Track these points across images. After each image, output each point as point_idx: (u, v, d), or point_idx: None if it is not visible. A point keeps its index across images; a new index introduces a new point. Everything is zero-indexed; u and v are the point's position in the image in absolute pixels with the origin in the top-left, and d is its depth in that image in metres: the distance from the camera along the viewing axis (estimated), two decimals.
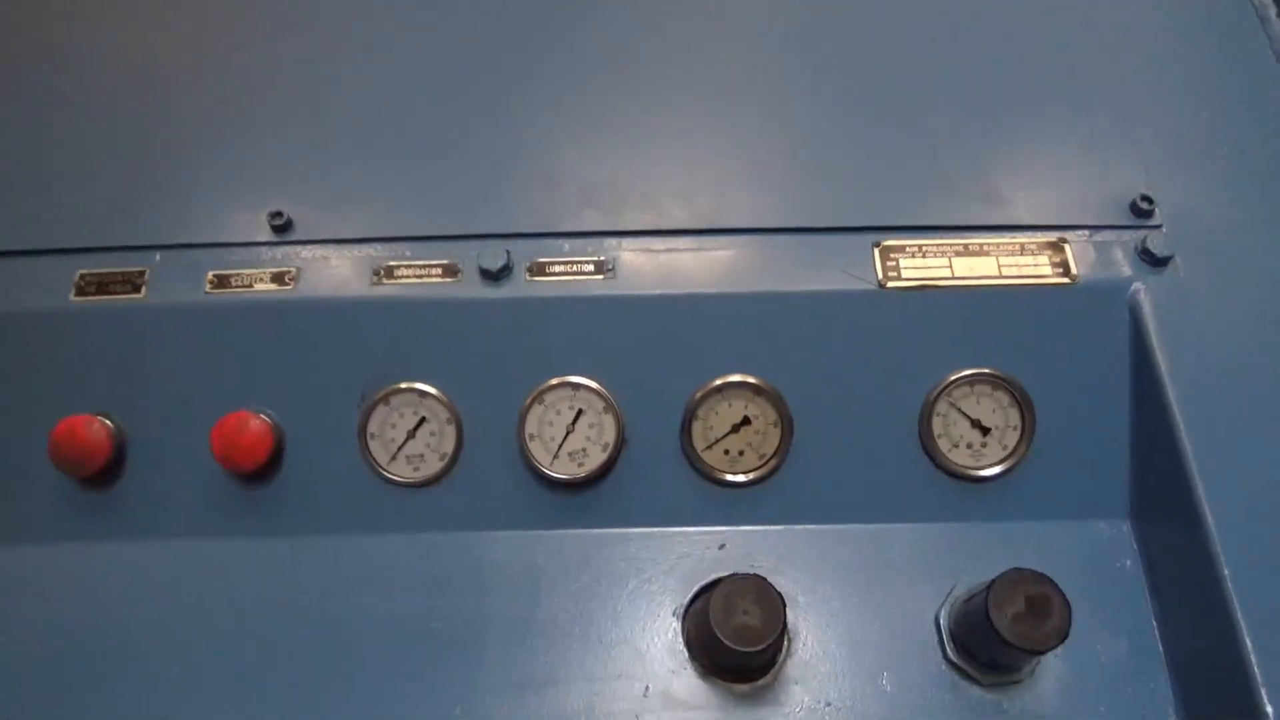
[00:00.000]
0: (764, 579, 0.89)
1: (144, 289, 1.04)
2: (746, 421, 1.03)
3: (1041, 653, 0.87)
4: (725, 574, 0.92)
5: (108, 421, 1.02)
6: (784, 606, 0.88)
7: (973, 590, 0.94)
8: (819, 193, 1.08)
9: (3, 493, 1.02)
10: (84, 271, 1.05)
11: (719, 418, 1.03)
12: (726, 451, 1.03)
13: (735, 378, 1.03)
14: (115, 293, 1.04)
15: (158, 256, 1.07)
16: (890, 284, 1.03)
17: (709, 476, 1.03)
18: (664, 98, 1.13)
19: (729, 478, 1.03)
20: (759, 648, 0.87)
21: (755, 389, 1.02)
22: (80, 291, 1.04)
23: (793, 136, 1.11)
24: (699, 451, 1.03)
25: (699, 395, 1.03)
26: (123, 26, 1.22)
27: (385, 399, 1.03)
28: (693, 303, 1.03)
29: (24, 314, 1.04)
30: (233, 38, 1.20)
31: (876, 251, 1.05)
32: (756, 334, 1.03)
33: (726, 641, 0.86)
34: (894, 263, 1.05)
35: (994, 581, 0.88)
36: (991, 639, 0.87)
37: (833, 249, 1.05)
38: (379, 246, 1.06)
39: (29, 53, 1.18)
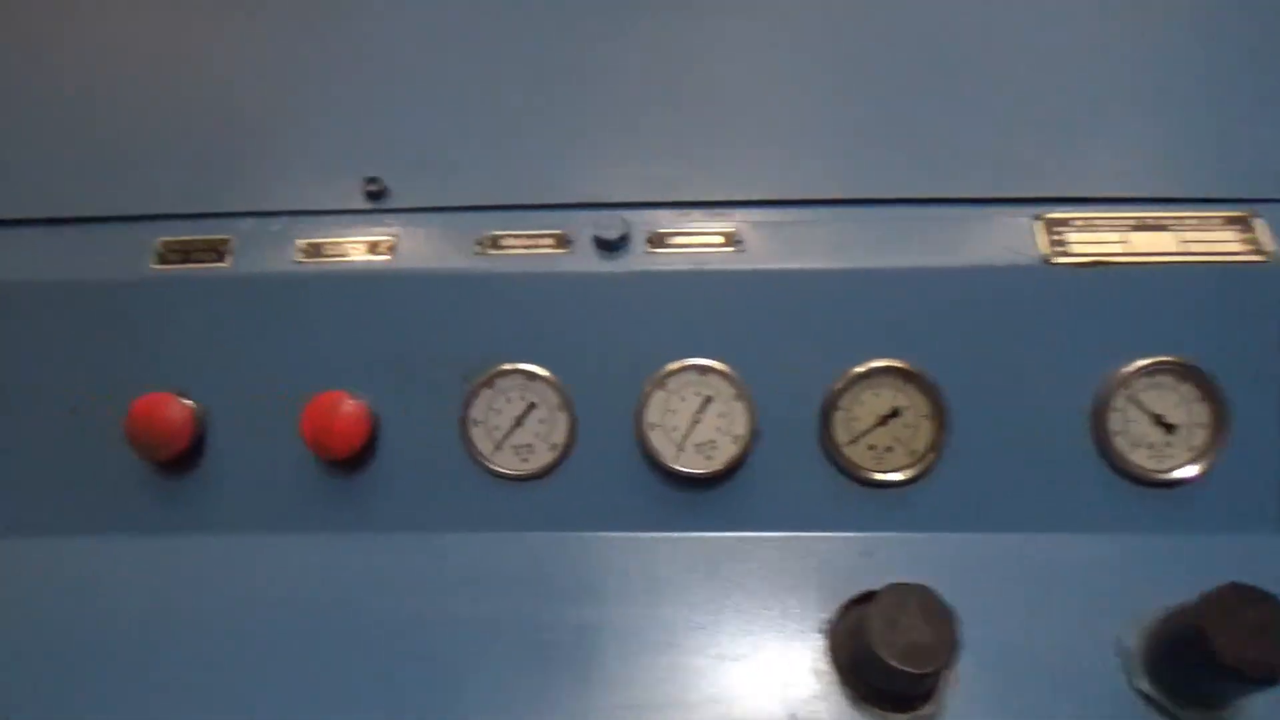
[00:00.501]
0: (929, 589, 0.76)
1: (229, 257, 0.95)
2: (895, 413, 0.91)
3: (1275, 684, 0.73)
4: (877, 585, 0.79)
5: (188, 401, 0.92)
6: (956, 621, 0.75)
7: (1170, 610, 0.81)
8: (972, 160, 0.96)
9: (76, 477, 0.93)
10: (166, 239, 0.96)
11: (863, 408, 0.91)
12: (872, 447, 0.91)
13: (881, 363, 0.91)
14: (199, 261, 0.94)
15: (245, 224, 0.97)
16: (1056, 259, 0.90)
17: (852, 475, 0.91)
18: (794, 57, 1.02)
19: (875, 476, 0.91)
20: (930, 670, 0.74)
21: (905, 375, 0.90)
22: (162, 260, 0.95)
23: (941, 97, 0.99)
24: (841, 446, 0.91)
25: (840, 383, 0.91)
26: None
27: (490, 382, 0.92)
28: (832, 278, 0.91)
29: (102, 283, 0.95)
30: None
31: (1039, 225, 0.92)
32: (905, 314, 0.91)
33: (893, 662, 0.74)
34: (1059, 237, 0.92)
35: (1206, 599, 0.75)
36: (1206, 666, 0.74)
37: (988, 222, 0.92)
38: (482, 215, 0.96)
39: (114, 15, 1.09)
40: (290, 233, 0.96)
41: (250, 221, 0.97)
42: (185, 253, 0.96)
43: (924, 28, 1.03)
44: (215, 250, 0.95)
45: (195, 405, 0.93)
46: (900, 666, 0.74)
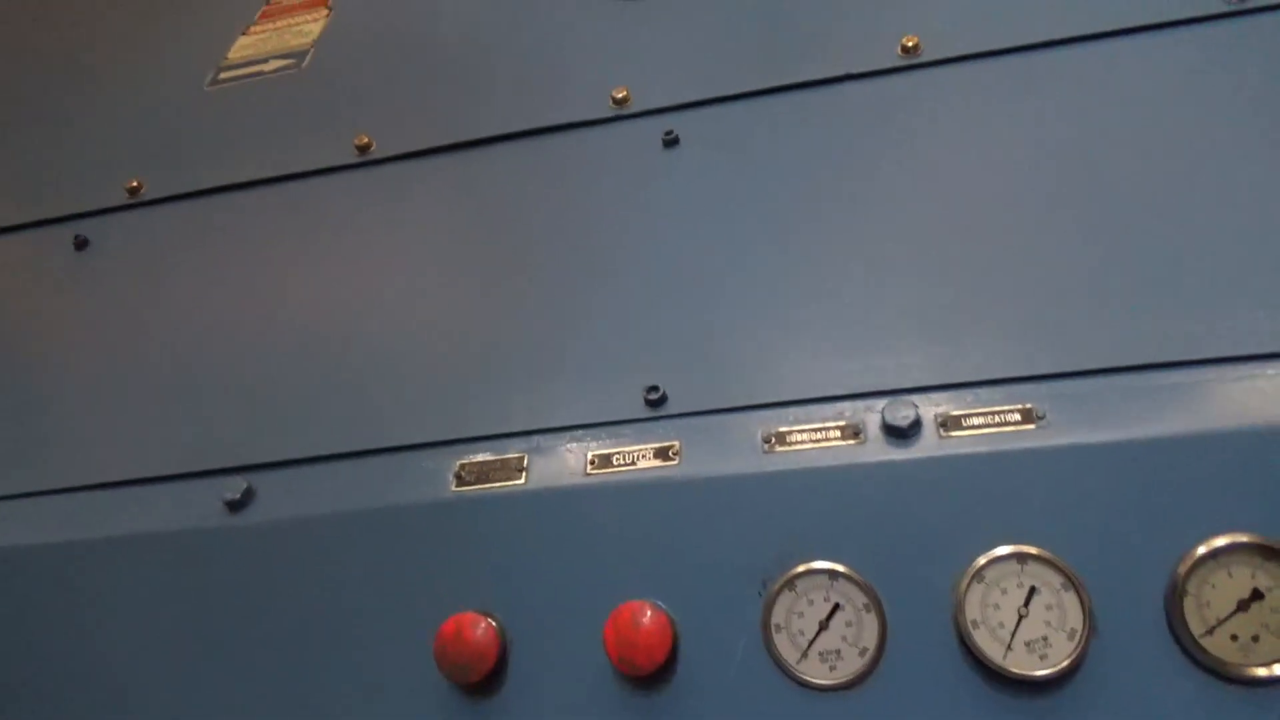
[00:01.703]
0: None
1: (525, 475, 0.98)
2: (1257, 595, 0.80)
3: None
4: None
5: (493, 621, 0.93)
6: None
7: None
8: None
9: (386, 702, 0.94)
10: (464, 460, 1.01)
11: (1215, 591, 0.80)
12: (1235, 637, 0.80)
13: (1229, 539, 0.81)
14: (495, 480, 0.98)
15: (532, 443, 1.01)
16: None
17: (1215, 671, 0.80)
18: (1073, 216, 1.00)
19: (1246, 672, 0.79)
20: None
21: (1263, 551, 0.80)
22: (461, 481, 0.99)
23: (1239, 247, 0.93)
24: (1197, 638, 0.80)
25: (1185, 564, 0.81)
26: (487, 217, 1.24)
27: (790, 584, 0.89)
28: (1161, 448, 0.83)
29: (404, 508, 1.00)
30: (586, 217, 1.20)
31: None
32: (1248, 480, 0.82)
33: None
34: None
35: None
36: None
37: None
38: (765, 413, 0.95)
39: (404, 265, 1.22)
40: (581, 445, 0.98)
41: (541, 438, 1.00)
42: (482, 473, 1.00)
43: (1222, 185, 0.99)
44: (511, 468, 0.99)
45: (499, 624, 0.93)
46: None
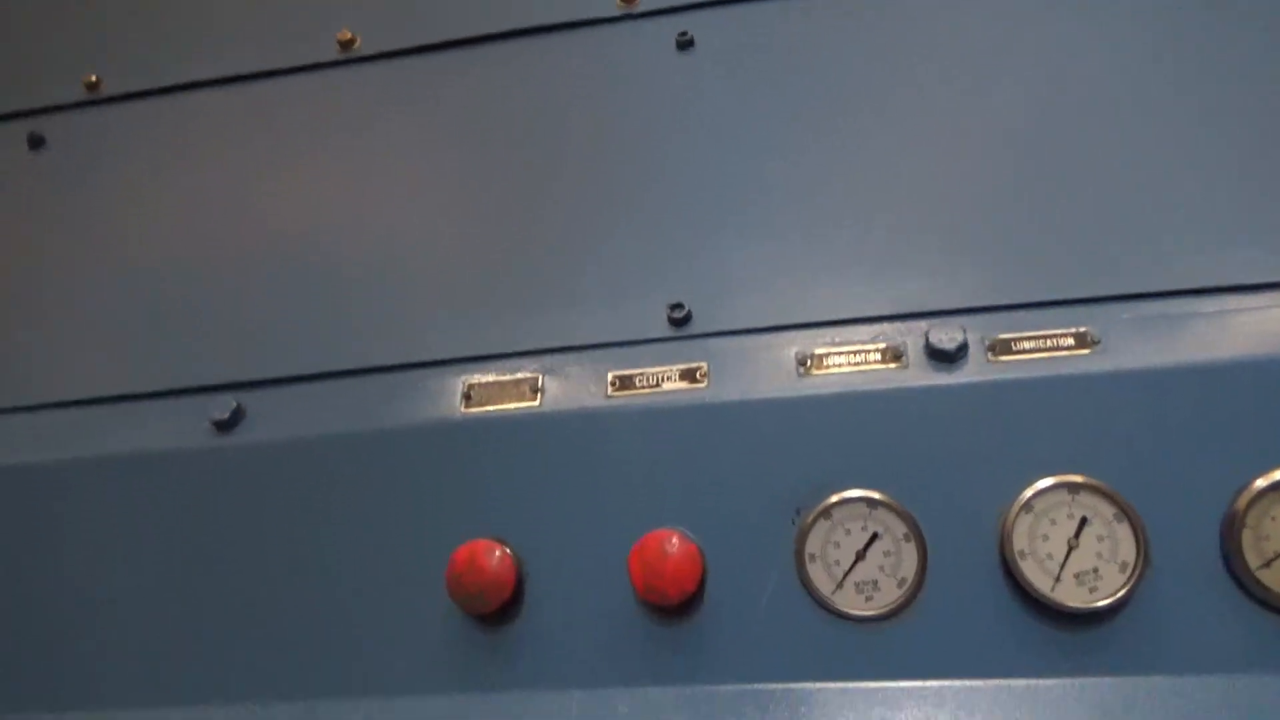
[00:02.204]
0: None
1: (539, 395, 0.91)
2: None
3: None
4: None
5: (508, 549, 0.87)
6: None
7: None
8: None
9: (394, 632, 0.88)
10: (472, 379, 0.94)
11: (1275, 524, 0.77)
12: None
13: None
14: (507, 401, 0.91)
15: (546, 363, 0.94)
16: None
17: (1272, 605, 0.77)
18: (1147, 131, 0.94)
19: None
20: None
21: None
22: (470, 402, 0.92)
23: None
24: (1254, 571, 0.77)
25: (1244, 497, 0.77)
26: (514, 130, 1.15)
27: (826, 512, 0.84)
28: (1221, 374, 0.79)
29: (408, 429, 0.92)
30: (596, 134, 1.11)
31: None
32: None
33: None
34: None
35: None
36: None
37: None
38: (800, 333, 0.89)
39: (414, 165, 1.12)
40: (600, 365, 0.92)
41: (556, 357, 0.93)
42: (492, 393, 0.93)
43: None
44: (525, 388, 0.92)
45: (514, 553, 0.88)
46: None
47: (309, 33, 1.27)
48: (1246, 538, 0.78)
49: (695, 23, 1.17)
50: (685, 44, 1.15)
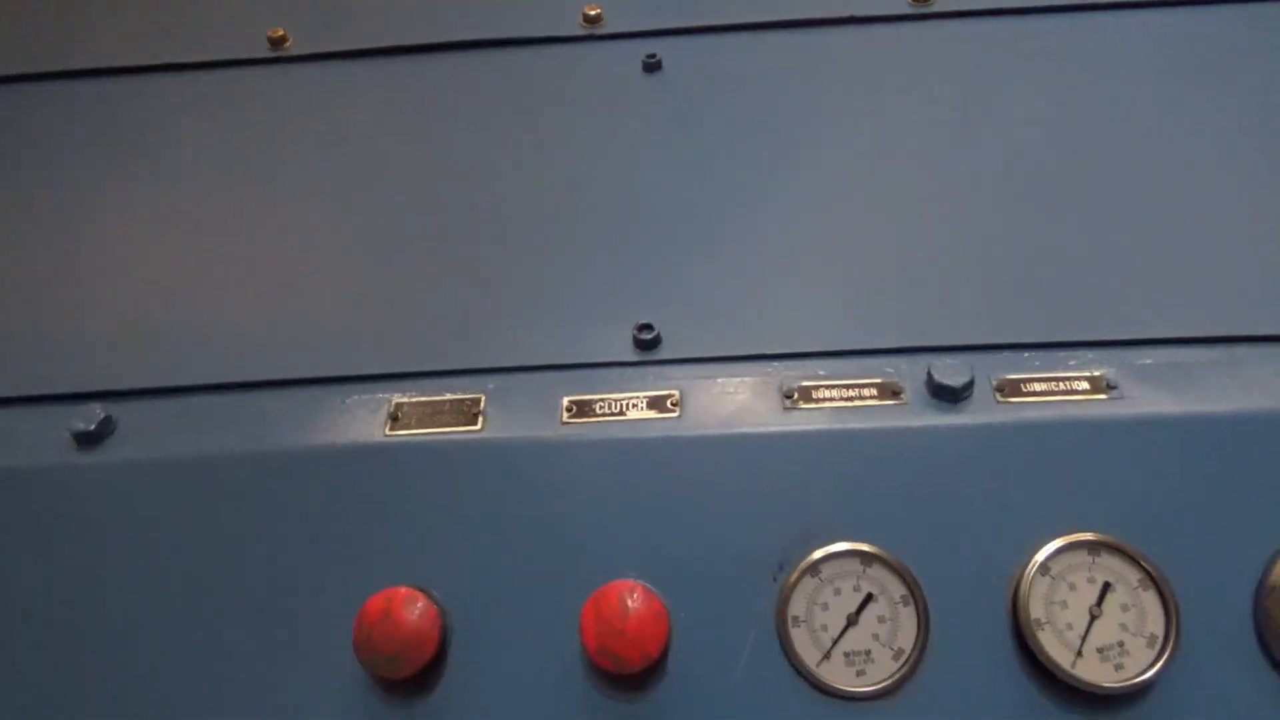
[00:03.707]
0: None
1: (481, 420, 0.77)
2: None
3: None
4: None
5: (431, 599, 0.72)
6: None
7: None
8: None
9: (283, 700, 0.71)
10: (402, 399, 0.79)
11: None
12: None
13: None
14: (442, 424, 0.77)
15: (490, 384, 0.81)
16: None
17: None
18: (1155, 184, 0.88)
19: None
20: None
21: None
22: (396, 423, 0.78)
23: None
24: None
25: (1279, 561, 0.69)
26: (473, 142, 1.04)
27: (813, 568, 0.72)
28: (1253, 423, 0.72)
29: (318, 451, 0.77)
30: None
31: None
32: None
33: None
34: None
35: None
36: None
37: None
38: (784, 364, 0.78)
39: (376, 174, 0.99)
40: (554, 389, 0.79)
41: (502, 379, 0.80)
42: (425, 415, 0.78)
43: None
44: (464, 412, 0.78)
45: (439, 605, 0.72)
46: None
47: (239, 26, 1.16)
48: None
49: (663, 46, 1.10)
50: (653, 66, 1.08)
